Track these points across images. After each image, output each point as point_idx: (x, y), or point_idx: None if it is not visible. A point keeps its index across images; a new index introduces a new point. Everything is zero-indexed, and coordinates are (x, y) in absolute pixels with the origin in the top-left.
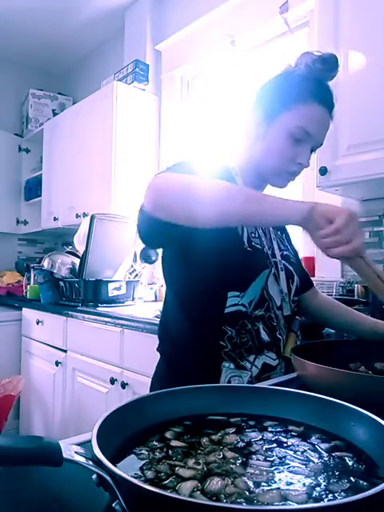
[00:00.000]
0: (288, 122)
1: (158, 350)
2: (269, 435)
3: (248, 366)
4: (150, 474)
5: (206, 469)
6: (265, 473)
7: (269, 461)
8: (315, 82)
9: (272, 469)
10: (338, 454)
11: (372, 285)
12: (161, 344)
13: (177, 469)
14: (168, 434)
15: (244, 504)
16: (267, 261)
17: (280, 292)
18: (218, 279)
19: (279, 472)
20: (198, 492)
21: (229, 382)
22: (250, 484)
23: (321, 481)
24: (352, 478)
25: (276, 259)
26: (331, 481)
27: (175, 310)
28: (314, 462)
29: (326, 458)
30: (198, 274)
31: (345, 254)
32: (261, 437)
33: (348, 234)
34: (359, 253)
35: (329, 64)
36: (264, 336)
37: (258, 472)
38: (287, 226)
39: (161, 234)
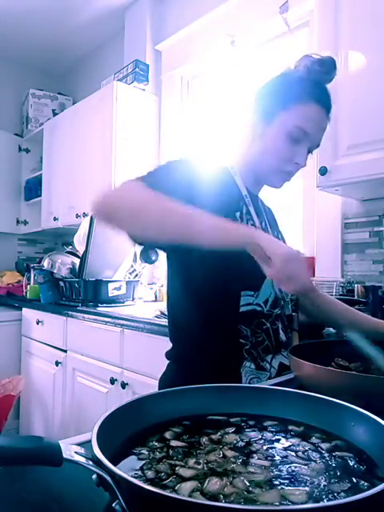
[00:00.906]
0: (286, 122)
1: (167, 355)
2: (268, 435)
3: (267, 367)
4: (150, 473)
5: (206, 468)
6: (265, 472)
7: (269, 460)
8: (313, 83)
9: (273, 468)
10: (338, 453)
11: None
12: (173, 348)
13: (177, 468)
14: (167, 435)
15: (244, 503)
16: None
17: (280, 291)
18: (231, 277)
19: (280, 471)
20: (198, 493)
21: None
22: (249, 484)
23: (322, 481)
24: (354, 479)
25: None
26: (332, 481)
27: (188, 309)
28: (315, 462)
29: (328, 458)
30: (210, 273)
31: (290, 292)
32: (261, 436)
33: (287, 274)
34: (301, 291)
35: (326, 66)
36: (282, 335)
37: (258, 471)
38: (280, 227)
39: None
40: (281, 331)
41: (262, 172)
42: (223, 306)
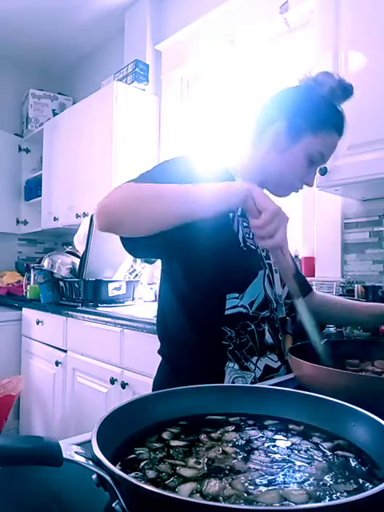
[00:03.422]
0: (312, 146)
1: (159, 352)
2: (269, 433)
3: (251, 368)
4: (151, 473)
5: (206, 468)
6: (267, 470)
7: (271, 457)
8: (335, 109)
9: (275, 466)
10: (341, 453)
11: (283, 275)
12: (162, 346)
13: (178, 468)
14: (165, 435)
15: (243, 504)
16: (261, 262)
17: (274, 294)
18: (216, 281)
19: (282, 469)
20: (198, 494)
21: (233, 383)
22: (249, 484)
23: (327, 480)
24: (360, 480)
25: (270, 261)
26: (339, 481)
27: (175, 309)
28: (318, 461)
29: (330, 457)
30: (196, 275)
31: (265, 247)
32: (261, 435)
33: (271, 230)
34: (277, 248)
35: (347, 93)
36: (268, 338)
37: (260, 468)
38: None
39: (146, 247)
40: (267, 333)
41: (272, 183)
42: (208, 309)
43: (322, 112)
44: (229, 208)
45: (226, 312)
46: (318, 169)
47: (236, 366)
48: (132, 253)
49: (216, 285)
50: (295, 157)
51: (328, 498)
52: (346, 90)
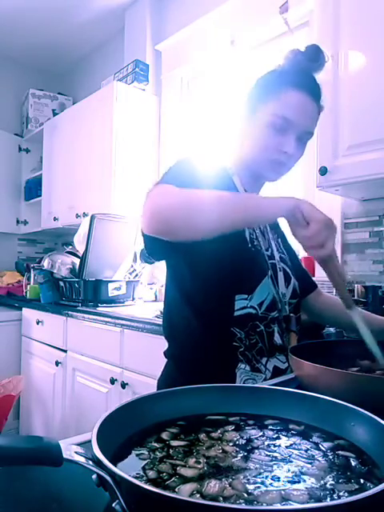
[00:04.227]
0: (265, 113)
1: (165, 353)
2: (269, 433)
3: (262, 369)
4: (152, 473)
5: (206, 467)
6: (268, 469)
7: (271, 457)
8: (294, 72)
9: (275, 465)
10: (341, 452)
11: (335, 285)
12: (169, 347)
13: (178, 468)
14: (164, 435)
15: (243, 504)
16: (266, 262)
17: (278, 293)
18: (225, 282)
19: (282, 469)
20: (198, 495)
21: None
22: (249, 484)
23: (328, 480)
24: (361, 480)
25: (274, 261)
26: (340, 481)
27: (183, 311)
28: (319, 461)
29: (331, 457)
30: (203, 276)
31: (316, 257)
32: (261, 434)
33: (321, 240)
34: (328, 258)
35: (309, 54)
36: (277, 339)
37: (259, 468)
38: (283, 228)
39: (164, 248)
40: (276, 334)
41: (255, 167)
42: (217, 311)
43: (270, 82)
44: (279, 216)
45: (236, 313)
46: (318, 169)
47: (247, 368)
48: (152, 255)
49: (224, 286)
50: (256, 131)
51: (329, 498)
52: (307, 52)
